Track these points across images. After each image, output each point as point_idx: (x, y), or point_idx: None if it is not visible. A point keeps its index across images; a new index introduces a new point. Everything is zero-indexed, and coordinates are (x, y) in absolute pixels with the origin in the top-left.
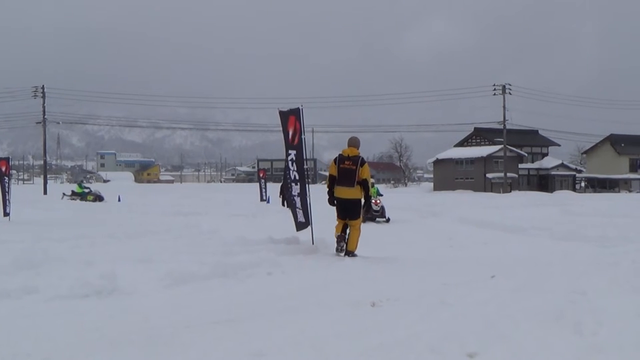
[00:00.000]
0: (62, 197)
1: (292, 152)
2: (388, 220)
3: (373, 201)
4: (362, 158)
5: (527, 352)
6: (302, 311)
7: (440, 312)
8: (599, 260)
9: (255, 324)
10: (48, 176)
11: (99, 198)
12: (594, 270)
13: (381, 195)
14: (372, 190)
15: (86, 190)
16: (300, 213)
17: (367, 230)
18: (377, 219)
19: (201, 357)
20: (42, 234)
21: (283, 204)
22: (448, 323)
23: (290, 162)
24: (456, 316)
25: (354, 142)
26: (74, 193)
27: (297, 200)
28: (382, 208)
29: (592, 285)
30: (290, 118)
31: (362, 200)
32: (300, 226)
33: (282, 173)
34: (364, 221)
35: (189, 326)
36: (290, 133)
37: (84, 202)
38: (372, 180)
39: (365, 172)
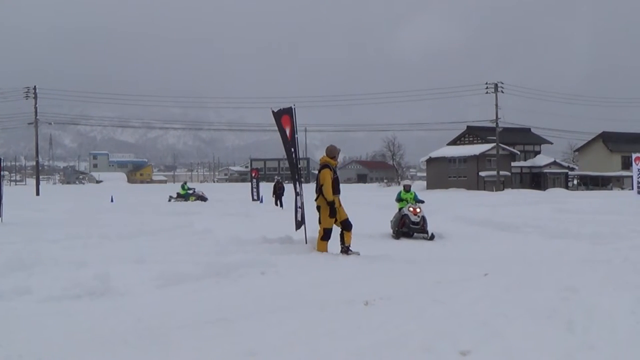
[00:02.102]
0: (170, 200)
1: (293, 150)
2: (432, 238)
3: (411, 210)
4: (323, 164)
5: (520, 349)
6: (296, 310)
7: (433, 310)
8: (591, 258)
9: (249, 324)
10: (40, 177)
11: (201, 198)
12: (586, 267)
13: (421, 201)
14: (407, 196)
15: (189, 192)
16: (299, 212)
17: (360, 229)
18: (416, 234)
19: (195, 357)
20: (35, 235)
21: (276, 204)
22: (441, 321)
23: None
24: (449, 314)
25: (326, 150)
26: (179, 195)
27: (299, 198)
28: (424, 219)
29: (584, 283)
30: (285, 117)
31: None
32: (299, 225)
33: (276, 172)
34: (397, 237)
35: (182, 326)
36: (288, 132)
37: (187, 202)
38: (408, 181)
39: (321, 178)
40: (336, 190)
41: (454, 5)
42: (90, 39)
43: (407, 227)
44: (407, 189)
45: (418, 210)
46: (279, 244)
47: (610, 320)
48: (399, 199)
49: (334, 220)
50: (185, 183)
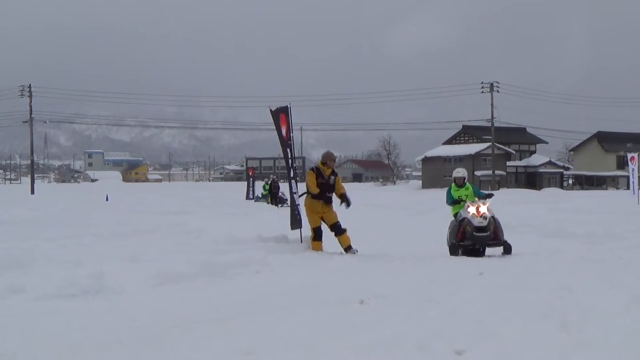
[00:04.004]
0: (256, 200)
1: (289, 150)
2: (509, 250)
3: (472, 210)
4: (310, 168)
5: (515, 349)
6: (291, 310)
7: (429, 309)
8: (586, 257)
9: (244, 323)
10: (35, 176)
11: (281, 200)
12: (581, 267)
13: (487, 196)
14: (463, 192)
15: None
16: (298, 211)
17: (355, 228)
18: (485, 247)
19: (190, 357)
20: (29, 233)
21: (272, 202)
22: (436, 320)
23: (291, 160)
24: (444, 314)
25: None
26: (263, 195)
27: (296, 197)
28: (495, 223)
29: (579, 282)
30: (281, 116)
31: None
32: (296, 225)
33: (271, 171)
34: (455, 253)
35: (177, 325)
36: (284, 130)
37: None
38: (461, 171)
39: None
40: (320, 196)
41: (451, 4)
42: (85, 38)
43: (470, 236)
44: (459, 182)
45: (481, 209)
46: (274, 242)
47: (605, 320)
48: (453, 201)
49: (320, 218)
50: (267, 183)
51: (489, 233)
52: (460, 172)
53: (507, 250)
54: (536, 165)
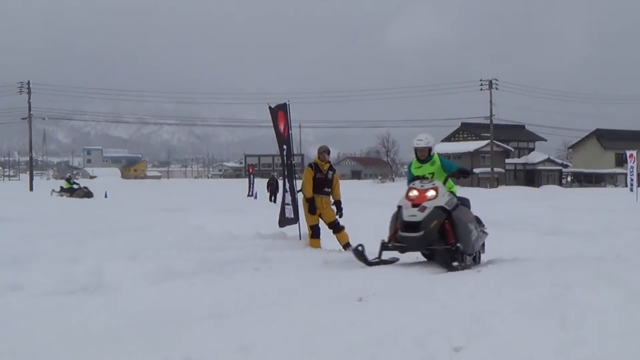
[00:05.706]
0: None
1: (286, 147)
2: (461, 263)
3: (412, 194)
4: (308, 164)
5: (512, 345)
6: (289, 306)
7: (426, 306)
8: (584, 255)
9: (242, 320)
10: (34, 172)
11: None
12: (579, 264)
13: (461, 173)
14: (427, 170)
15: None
16: (289, 209)
17: (354, 226)
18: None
19: (188, 353)
20: (28, 230)
21: (270, 199)
22: (433, 317)
23: (286, 158)
24: (442, 310)
25: None
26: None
27: (287, 195)
28: (443, 217)
29: (577, 280)
30: (279, 113)
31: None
32: (285, 222)
33: (270, 168)
34: (360, 257)
35: (175, 322)
36: (282, 128)
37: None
38: (423, 141)
39: None
40: (317, 190)
41: (449, 1)
42: (84, 34)
43: (398, 235)
44: (422, 155)
45: (431, 194)
46: (273, 240)
47: (603, 317)
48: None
49: (317, 217)
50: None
51: (422, 233)
52: (422, 140)
53: (474, 259)
54: (535, 162)
